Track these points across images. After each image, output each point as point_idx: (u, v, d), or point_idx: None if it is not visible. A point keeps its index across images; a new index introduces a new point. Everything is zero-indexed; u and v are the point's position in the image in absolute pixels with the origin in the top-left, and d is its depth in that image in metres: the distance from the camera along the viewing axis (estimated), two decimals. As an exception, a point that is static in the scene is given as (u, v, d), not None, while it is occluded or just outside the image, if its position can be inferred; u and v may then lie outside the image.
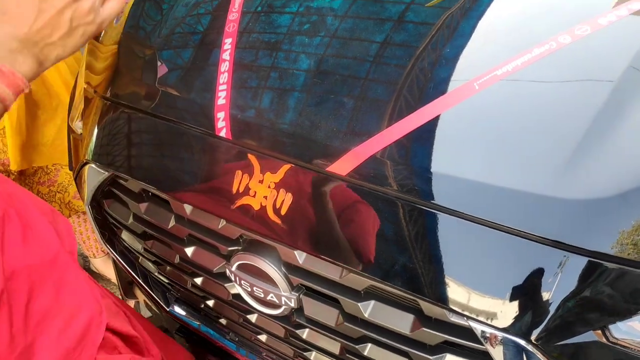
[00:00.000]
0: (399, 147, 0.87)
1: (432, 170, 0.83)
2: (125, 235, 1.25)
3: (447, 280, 0.79)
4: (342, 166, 0.88)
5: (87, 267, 2.41)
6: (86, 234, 2.08)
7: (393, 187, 0.84)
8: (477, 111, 0.87)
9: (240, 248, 0.99)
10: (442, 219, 0.80)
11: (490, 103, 0.87)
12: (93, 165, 1.16)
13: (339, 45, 1.07)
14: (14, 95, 0.63)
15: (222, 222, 0.99)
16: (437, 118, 0.88)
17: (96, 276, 2.34)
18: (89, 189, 1.19)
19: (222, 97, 1.03)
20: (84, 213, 1.95)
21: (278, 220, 0.91)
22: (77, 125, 1.30)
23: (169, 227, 1.08)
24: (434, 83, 0.94)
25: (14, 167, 1.54)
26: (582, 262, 0.73)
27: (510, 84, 0.88)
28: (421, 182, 0.84)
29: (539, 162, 0.80)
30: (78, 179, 1.25)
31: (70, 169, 1.35)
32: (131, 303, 1.58)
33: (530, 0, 1.04)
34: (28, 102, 1.50)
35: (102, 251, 2.21)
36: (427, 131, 0.87)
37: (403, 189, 0.84)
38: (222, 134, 0.99)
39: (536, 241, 0.75)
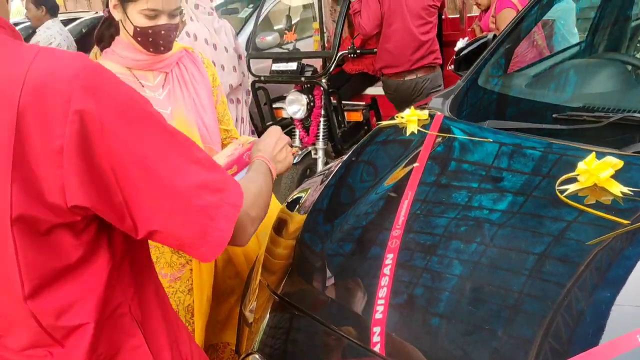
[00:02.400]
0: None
1: None
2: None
3: None
4: (493, 405, 0.88)
5: None
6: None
7: None
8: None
9: None
10: None
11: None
12: (257, 357, 1.28)
13: (499, 273, 1.12)
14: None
15: None
16: (596, 369, 0.86)
17: None
18: (251, 376, 1.30)
19: (379, 311, 1.12)
20: None
21: None
22: (249, 313, 1.45)
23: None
24: (592, 328, 0.93)
25: (198, 342, 1.69)
26: None
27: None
28: None
29: None
30: (242, 363, 1.37)
31: (237, 352, 1.49)
32: None
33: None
34: (215, 283, 1.72)
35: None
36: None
37: None
38: (377, 349, 1.05)
39: None
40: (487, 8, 3.88)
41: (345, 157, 1.87)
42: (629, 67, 1.95)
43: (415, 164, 1.57)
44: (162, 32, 1.43)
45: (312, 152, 3.84)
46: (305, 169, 3.73)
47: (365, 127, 3.97)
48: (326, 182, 1.74)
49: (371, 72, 4.23)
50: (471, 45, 2.39)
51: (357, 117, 3.89)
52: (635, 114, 1.47)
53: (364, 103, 4.03)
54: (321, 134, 3.77)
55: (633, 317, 0.92)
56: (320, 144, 3.81)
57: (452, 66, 2.37)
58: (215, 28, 2.93)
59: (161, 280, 1.59)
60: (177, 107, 1.54)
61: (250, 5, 5.38)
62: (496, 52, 2.05)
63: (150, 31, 1.42)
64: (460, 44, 2.89)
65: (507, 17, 3.16)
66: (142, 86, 1.51)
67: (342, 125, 3.90)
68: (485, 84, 2.00)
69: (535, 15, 2.20)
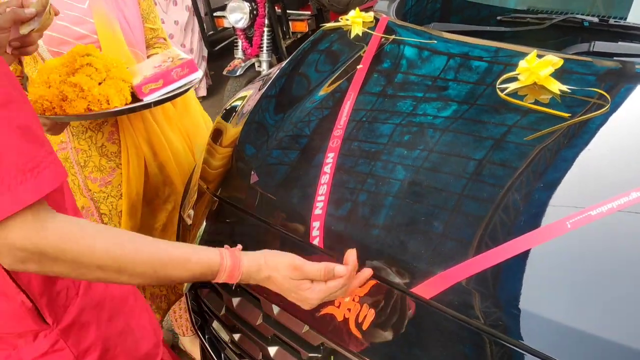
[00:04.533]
0: (485, 277, 0.88)
1: (517, 306, 0.83)
2: (215, 325, 1.32)
3: None
4: (427, 289, 0.90)
5: (175, 344, 2.51)
6: (179, 313, 2.19)
7: (475, 317, 0.85)
8: (568, 251, 0.87)
9: (320, 356, 1.02)
10: (523, 357, 0.80)
11: (581, 243, 0.87)
12: (196, 256, 1.26)
13: (434, 166, 1.12)
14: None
15: (306, 328, 1.03)
16: (526, 253, 0.88)
17: (182, 354, 2.43)
18: (189, 277, 1.29)
19: (319, 207, 1.11)
20: (181, 294, 2.07)
21: (359, 335, 0.93)
22: (188, 215, 1.43)
23: (257, 324, 1.13)
24: (525, 216, 0.95)
25: None
26: None
27: (604, 226, 0.88)
28: (504, 317, 0.84)
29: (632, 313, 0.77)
30: (181, 265, 1.36)
31: (176, 255, 1.47)
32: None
33: (630, 143, 1.05)
34: (146, 189, 1.67)
35: (191, 330, 2.30)
36: (515, 265, 0.88)
37: (485, 321, 0.84)
38: (315, 242, 1.05)
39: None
40: None
41: (285, 62, 1.81)
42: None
43: (359, 66, 1.53)
44: None
45: (256, 65, 3.72)
46: (248, 82, 3.62)
47: (311, 39, 3.86)
48: (265, 86, 1.68)
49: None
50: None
51: (302, 27, 3.77)
52: (577, 15, 1.46)
53: (309, 13, 3.89)
54: (265, 45, 3.64)
55: (566, 205, 0.94)
56: (264, 56, 3.68)
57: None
58: None
59: (91, 185, 1.54)
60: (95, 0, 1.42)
61: None
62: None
63: None
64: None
65: None
66: None
67: (287, 36, 3.77)
68: (432, -14, 1.95)
69: None
